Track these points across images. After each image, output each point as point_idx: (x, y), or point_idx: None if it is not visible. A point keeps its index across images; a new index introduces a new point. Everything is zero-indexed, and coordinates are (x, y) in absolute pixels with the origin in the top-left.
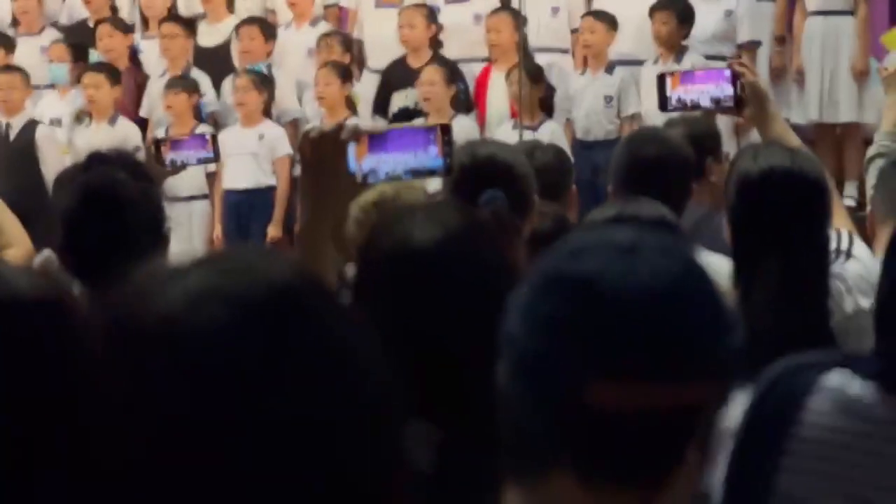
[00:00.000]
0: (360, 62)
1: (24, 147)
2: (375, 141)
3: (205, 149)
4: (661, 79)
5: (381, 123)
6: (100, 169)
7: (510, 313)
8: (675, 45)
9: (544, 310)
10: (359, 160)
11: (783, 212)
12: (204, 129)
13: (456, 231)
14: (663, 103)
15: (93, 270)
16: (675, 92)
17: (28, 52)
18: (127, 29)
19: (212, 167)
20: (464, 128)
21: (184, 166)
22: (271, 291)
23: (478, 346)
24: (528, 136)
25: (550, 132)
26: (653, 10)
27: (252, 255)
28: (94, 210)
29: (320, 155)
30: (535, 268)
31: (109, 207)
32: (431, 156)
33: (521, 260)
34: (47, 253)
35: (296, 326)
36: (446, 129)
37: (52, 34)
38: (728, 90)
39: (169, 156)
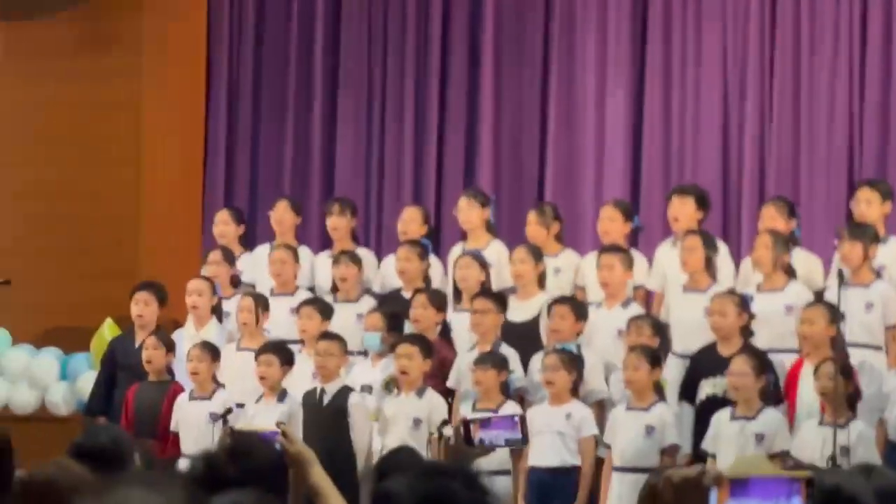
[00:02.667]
0: (667, 346)
1: (336, 412)
2: (738, 487)
3: (513, 430)
4: None
5: (687, 410)
6: (436, 480)
7: None
8: None
9: None
10: None
11: None
12: (511, 406)
13: None
14: None
15: None
16: None
17: (345, 319)
18: (440, 304)
19: None
20: (771, 420)
21: (493, 448)
22: None
23: None
24: (836, 434)
25: (858, 433)
26: None
27: None
28: None
29: (680, 499)
30: None
31: None
32: None
33: None
34: None
35: None
36: (811, 482)
37: (368, 302)
38: None
39: (478, 436)
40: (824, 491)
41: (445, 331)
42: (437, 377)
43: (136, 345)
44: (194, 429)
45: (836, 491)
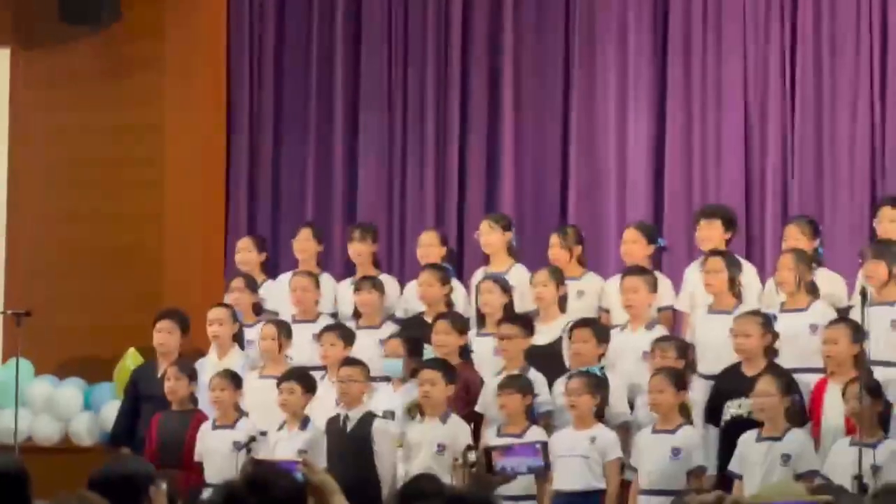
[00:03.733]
0: (692, 367)
1: (360, 439)
2: None
3: (535, 457)
4: None
5: (712, 432)
6: None
7: None
8: None
9: None
10: None
11: None
12: (535, 431)
13: None
14: None
15: None
16: None
17: (367, 345)
18: (462, 328)
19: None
20: (797, 440)
21: (514, 475)
22: None
23: None
24: (867, 454)
25: (890, 452)
26: None
27: None
28: None
29: None
30: None
31: None
32: None
33: None
34: None
35: None
36: None
37: (389, 328)
38: None
39: (500, 463)
40: None
41: (466, 354)
42: (462, 401)
43: (159, 374)
44: (218, 458)
45: None
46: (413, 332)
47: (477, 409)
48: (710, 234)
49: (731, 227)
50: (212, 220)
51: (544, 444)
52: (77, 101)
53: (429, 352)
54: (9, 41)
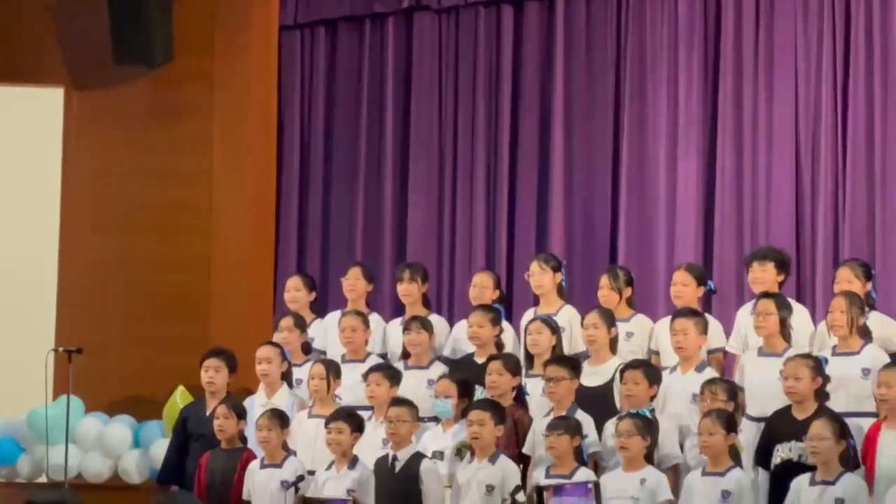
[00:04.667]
0: (741, 409)
1: (408, 479)
2: None
3: (587, 497)
4: None
5: (762, 475)
6: None
7: None
8: None
9: None
10: None
11: None
12: (584, 472)
13: None
14: None
15: None
16: None
17: (415, 385)
18: (515, 369)
19: None
20: (852, 484)
21: None
22: None
23: None
24: None
25: None
26: None
27: None
28: None
29: None
30: None
31: None
32: None
33: None
34: None
35: None
36: None
37: (438, 368)
38: None
39: (551, 502)
40: None
41: (520, 395)
42: (512, 442)
43: (208, 412)
44: (266, 497)
45: None
46: (463, 373)
47: (524, 450)
48: (763, 277)
49: (784, 269)
50: (261, 259)
51: (596, 484)
52: (127, 143)
53: (479, 393)
54: (62, 81)
